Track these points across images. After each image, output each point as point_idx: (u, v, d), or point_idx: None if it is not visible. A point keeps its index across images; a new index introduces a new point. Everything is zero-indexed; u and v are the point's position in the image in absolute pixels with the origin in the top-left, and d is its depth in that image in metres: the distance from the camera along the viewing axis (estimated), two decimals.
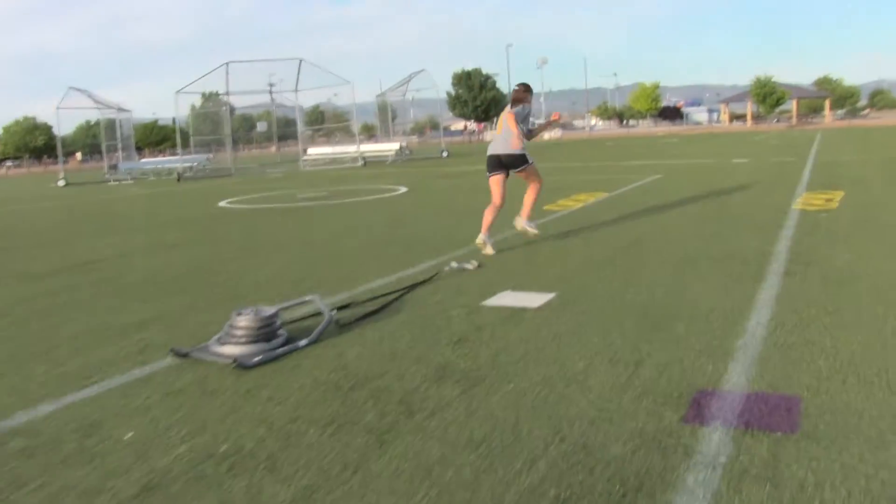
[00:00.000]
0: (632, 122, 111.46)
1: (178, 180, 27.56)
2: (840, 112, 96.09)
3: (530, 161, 7.92)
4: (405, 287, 5.82)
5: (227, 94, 33.64)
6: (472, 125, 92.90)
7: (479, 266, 6.65)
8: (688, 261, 6.40)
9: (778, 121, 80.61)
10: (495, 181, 7.83)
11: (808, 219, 8.66)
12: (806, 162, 18.79)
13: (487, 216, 7.63)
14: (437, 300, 5.47)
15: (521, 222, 8.05)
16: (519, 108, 7.75)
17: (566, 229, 8.81)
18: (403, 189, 16.25)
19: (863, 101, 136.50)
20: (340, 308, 5.21)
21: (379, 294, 5.63)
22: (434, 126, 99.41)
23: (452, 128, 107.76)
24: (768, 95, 76.80)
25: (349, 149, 33.74)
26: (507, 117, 7.65)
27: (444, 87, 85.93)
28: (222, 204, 15.27)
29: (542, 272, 6.31)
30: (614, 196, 12.25)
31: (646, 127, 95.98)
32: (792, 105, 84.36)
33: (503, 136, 7.73)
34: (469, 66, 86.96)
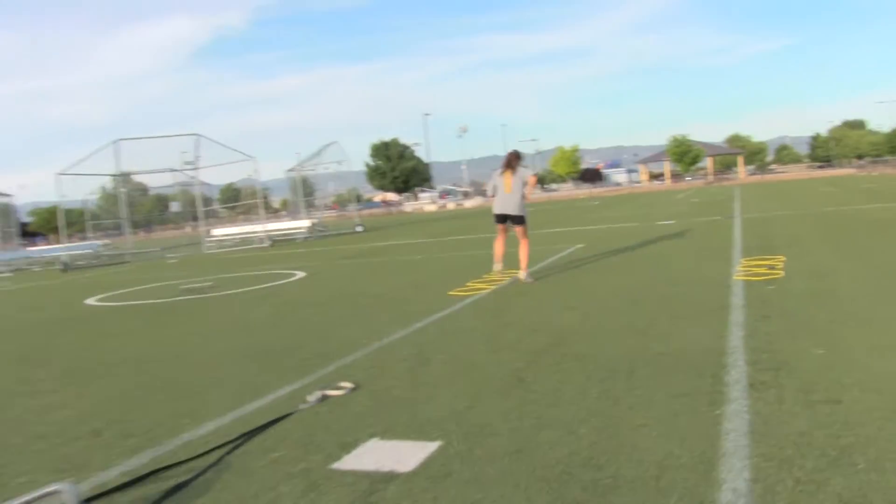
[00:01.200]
0: (553, 186, 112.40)
1: (64, 271, 25.14)
2: (750, 167, 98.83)
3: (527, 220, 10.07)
4: (233, 439, 4.14)
5: (123, 174, 31.48)
6: (392, 196, 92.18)
7: (353, 388, 5.04)
8: (621, 372, 4.89)
9: (692, 178, 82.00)
10: (501, 228, 10.20)
11: (755, 294, 7.36)
12: (733, 221, 17.95)
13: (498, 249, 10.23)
14: (273, 459, 3.82)
15: (523, 275, 9.83)
16: (520, 172, 9.83)
17: (470, 324, 7.29)
18: (301, 274, 14.54)
19: (770, 157, 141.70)
20: (119, 488, 3.52)
21: (195, 454, 3.95)
22: (358, 198, 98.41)
23: (378, 199, 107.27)
24: (685, 154, 78.40)
25: (255, 228, 31.80)
26: (514, 180, 9.82)
27: (363, 158, 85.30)
28: (90, 301, 13.25)
29: (430, 401, 4.68)
30: (532, 272, 10.84)
31: (567, 190, 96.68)
32: (707, 162, 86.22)
33: (512, 196, 9.85)
34: (388, 137, 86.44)
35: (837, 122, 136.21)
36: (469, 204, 71.80)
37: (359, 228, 34.86)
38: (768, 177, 79.94)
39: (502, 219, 9.96)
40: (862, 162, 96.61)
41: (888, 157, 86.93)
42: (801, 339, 5.38)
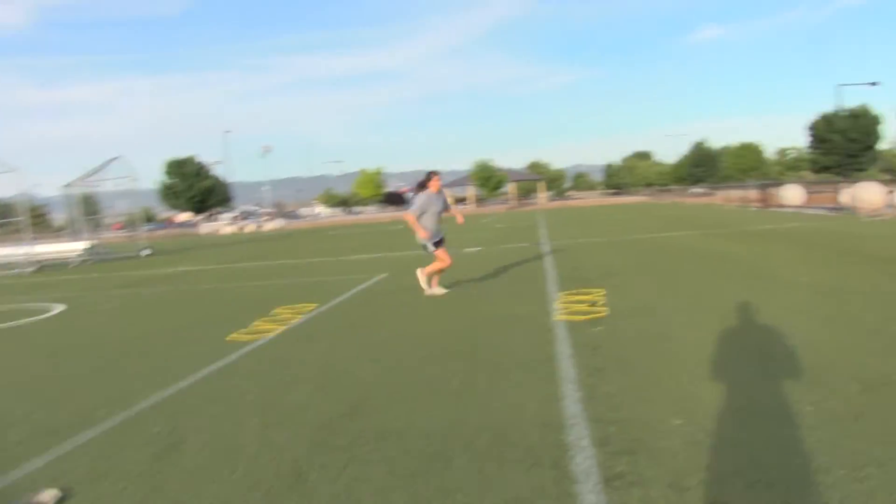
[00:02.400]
0: (357, 208, 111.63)
1: None
2: (549, 193, 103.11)
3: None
4: None
5: None
6: (184, 216, 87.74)
7: (59, 500, 3.60)
8: (436, 461, 3.78)
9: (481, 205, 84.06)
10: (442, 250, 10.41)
11: (582, 339, 6.56)
12: (541, 248, 17.60)
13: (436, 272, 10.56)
14: None
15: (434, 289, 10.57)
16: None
17: (246, 384, 5.91)
18: (59, 308, 12.39)
19: (567, 183, 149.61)
20: None
21: None
22: (150, 218, 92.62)
23: (178, 220, 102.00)
24: (488, 179, 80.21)
25: (16, 251, 28.12)
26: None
27: (159, 175, 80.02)
28: None
29: None
30: (326, 312, 9.58)
31: (372, 213, 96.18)
32: (510, 188, 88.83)
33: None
34: (186, 154, 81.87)
35: (629, 152, 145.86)
36: (270, 226, 69.13)
37: (145, 252, 31.97)
38: (567, 202, 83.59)
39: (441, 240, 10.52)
40: (650, 190, 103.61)
41: (673, 186, 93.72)
42: (649, 402, 4.54)
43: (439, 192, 10.31)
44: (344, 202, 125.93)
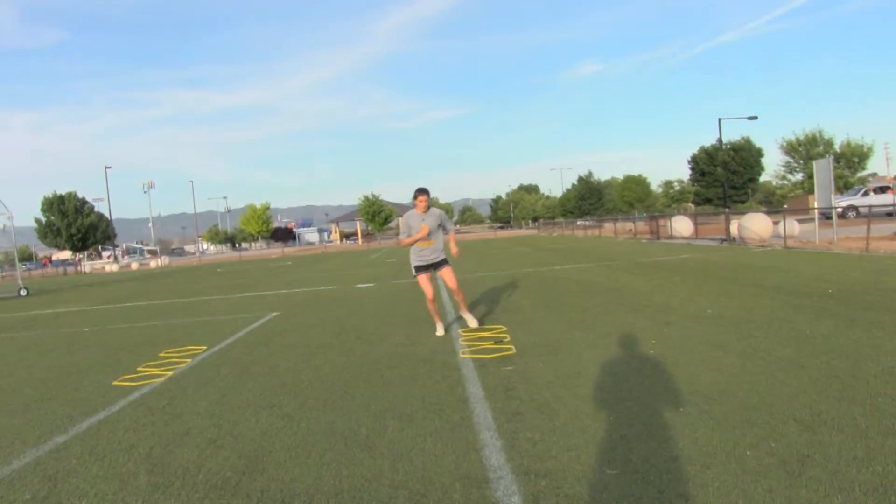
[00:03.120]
0: (244, 244, 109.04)
1: None
2: None
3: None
4: None
5: None
6: (63, 255, 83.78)
7: None
8: None
9: (359, 240, 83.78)
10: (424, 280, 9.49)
11: (493, 379, 6.23)
12: (436, 283, 17.27)
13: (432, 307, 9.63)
14: None
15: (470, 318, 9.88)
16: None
17: (130, 439, 5.27)
18: None
19: (455, 217, 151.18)
20: None
21: None
22: (28, 257, 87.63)
23: (56, 257, 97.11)
24: (377, 213, 79.88)
25: None
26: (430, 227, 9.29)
27: (35, 213, 76.25)
28: None
29: None
30: (217, 354, 8.93)
31: (259, 249, 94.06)
32: (399, 221, 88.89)
33: (437, 245, 9.52)
34: (65, 190, 78.29)
35: (516, 185, 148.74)
36: (155, 264, 66.40)
37: (23, 292, 30.04)
38: (456, 236, 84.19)
39: (426, 267, 9.63)
40: (537, 223, 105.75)
41: (560, 219, 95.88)
42: (576, 449, 4.22)
43: (427, 211, 9.26)
44: (230, 239, 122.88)
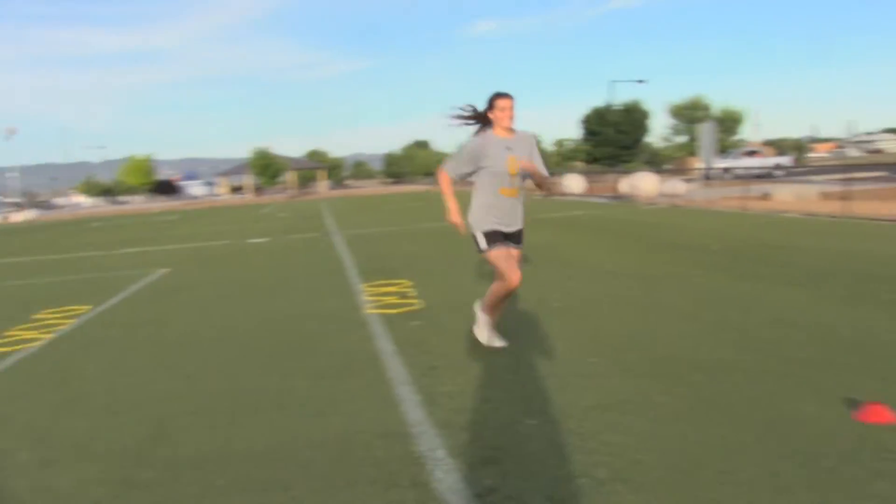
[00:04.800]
0: (124, 198, 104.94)
1: None
2: (329, 182, 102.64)
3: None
4: None
5: None
6: None
7: None
8: (272, 491, 3.27)
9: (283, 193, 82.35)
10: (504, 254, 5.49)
11: (402, 334, 6.25)
12: (332, 238, 17.12)
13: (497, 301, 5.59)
14: None
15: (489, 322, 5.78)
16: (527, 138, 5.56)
17: (14, 408, 5.01)
18: None
19: (347, 172, 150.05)
20: None
21: None
22: None
23: None
24: (267, 167, 78.28)
25: None
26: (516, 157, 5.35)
27: None
28: None
29: None
30: (104, 314, 8.55)
31: (140, 203, 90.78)
32: (290, 176, 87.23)
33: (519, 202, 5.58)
34: None
35: (409, 141, 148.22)
36: (20, 217, 63.00)
37: None
38: (349, 191, 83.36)
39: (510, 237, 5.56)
40: (430, 179, 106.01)
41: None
42: (495, 401, 4.28)
43: (513, 133, 5.39)
44: (108, 191, 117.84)
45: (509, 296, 5.51)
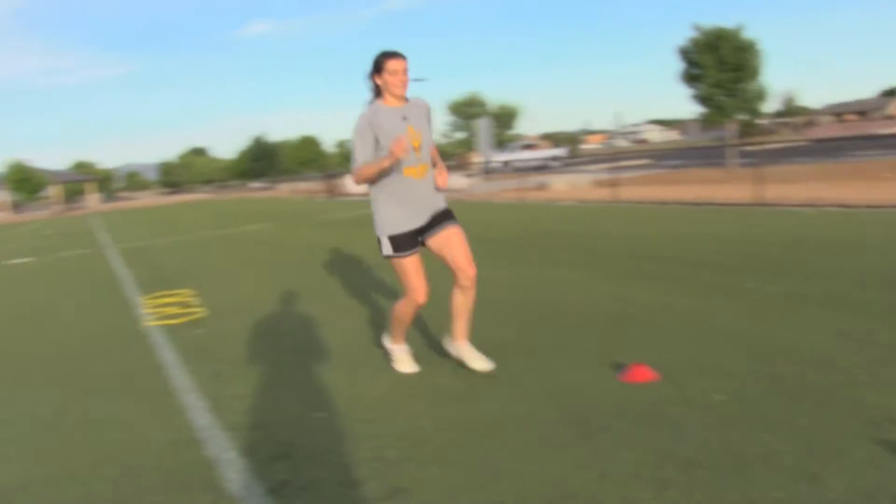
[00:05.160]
0: None
1: None
2: (101, 195, 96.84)
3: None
4: None
5: None
6: None
7: None
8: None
9: (42, 211, 76.46)
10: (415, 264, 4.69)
11: (186, 343, 6.08)
12: (106, 253, 16.20)
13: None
14: None
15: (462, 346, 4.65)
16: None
17: None
18: None
19: (120, 184, 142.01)
20: None
21: None
22: None
23: None
24: (25, 181, 72.46)
25: None
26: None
27: None
28: None
29: None
30: None
31: None
32: (55, 191, 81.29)
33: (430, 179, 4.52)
34: None
35: (185, 148, 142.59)
36: None
37: None
38: (123, 204, 79.02)
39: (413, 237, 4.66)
40: (210, 187, 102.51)
41: (234, 182, 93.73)
42: (283, 399, 4.30)
43: (405, 102, 4.42)
44: None
45: (414, 314, 4.71)
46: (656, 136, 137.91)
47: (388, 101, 4.32)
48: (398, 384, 4.43)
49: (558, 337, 5.20)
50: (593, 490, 2.84)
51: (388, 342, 4.85)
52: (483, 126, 25.79)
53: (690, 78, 29.01)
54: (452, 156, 64.91)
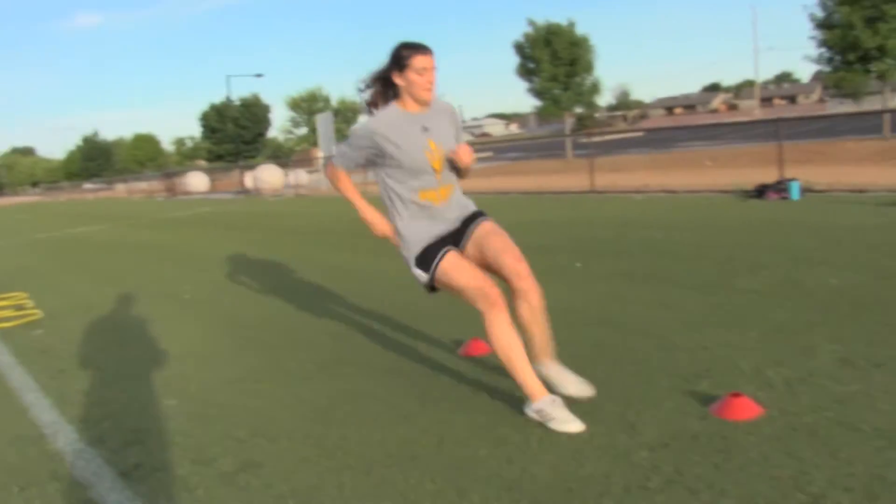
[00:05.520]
0: None
1: None
2: None
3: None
4: None
5: None
6: None
7: None
8: None
9: None
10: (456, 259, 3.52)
11: (23, 345, 5.89)
12: None
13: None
14: None
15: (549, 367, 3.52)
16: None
17: None
18: None
19: None
20: None
21: None
22: None
23: None
24: None
25: None
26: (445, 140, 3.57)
27: None
28: None
29: None
30: None
31: None
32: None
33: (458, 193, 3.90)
34: None
35: (7, 148, 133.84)
36: None
37: None
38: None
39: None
40: (39, 188, 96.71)
41: (65, 183, 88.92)
42: (132, 390, 4.30)
43: (427, 108, 3.53)
44: None
45: (514, 327, 3.36)
46: (499, 129, 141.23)
47: (408, 105, 3.47)
48: (248, 368, 4.52)
49: (406, 320, 5.40)
50: (435, 451, 3.07)
51: (529, 407, 3.28)
52: (323, 121, 25.71)
53: (526, 72, 30.13)
54: (295, 152, 64.20)
